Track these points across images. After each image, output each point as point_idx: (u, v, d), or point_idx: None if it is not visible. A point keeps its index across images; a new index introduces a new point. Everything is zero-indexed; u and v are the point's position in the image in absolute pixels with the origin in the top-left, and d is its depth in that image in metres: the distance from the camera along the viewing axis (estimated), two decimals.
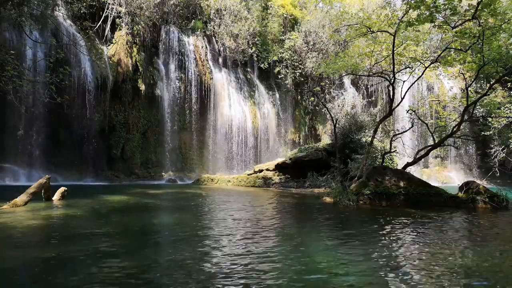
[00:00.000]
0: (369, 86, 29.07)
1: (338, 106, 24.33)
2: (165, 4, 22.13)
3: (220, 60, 24.91)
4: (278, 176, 17.64)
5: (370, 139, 13.54)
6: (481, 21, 9.70)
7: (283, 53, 26.46)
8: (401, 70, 13.50)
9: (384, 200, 9.59)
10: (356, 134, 17.52)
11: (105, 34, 19.81)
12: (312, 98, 27.32)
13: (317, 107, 27.26)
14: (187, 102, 22.33)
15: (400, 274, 3.75)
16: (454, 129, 12.09)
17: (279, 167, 18.14)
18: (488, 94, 12.94)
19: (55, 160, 17.05)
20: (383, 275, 3.69)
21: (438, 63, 12.36)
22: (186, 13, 23.75)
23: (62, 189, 9.32)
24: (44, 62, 15.45)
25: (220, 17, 24.59)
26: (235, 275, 3.55)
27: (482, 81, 22.59)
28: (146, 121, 21.29)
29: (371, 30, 12.25)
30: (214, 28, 24.46)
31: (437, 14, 10.27)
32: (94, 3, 19.51)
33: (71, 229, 5.77)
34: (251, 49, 25.13)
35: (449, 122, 16.24)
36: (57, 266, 3.81)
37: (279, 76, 26.62)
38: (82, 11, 19.08)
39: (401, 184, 9.89)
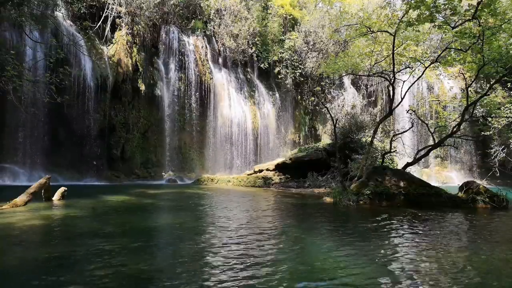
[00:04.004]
0: (369, 86, 29.06)
1: (338, 106, 24.28)
2: (165, 4, 22.11)
3: (220, 60, 24.89)
4: (278, 176, 17.65)
5: (370, 139, 13.53)
6: (481, 21, 9.69)
7: (283, 53, 26.44)
8: (401, 70, 13.50)
9: (384, 200, 9.60)
10: (356, 134, 17.53)
11: (105, 34, 19.80)
12: (312, 98, 27.30)
13: (317, 107, 27.24)
14: (187, 102, 22.30)
15: (400, 274, 3.75)
16: (454, 129, 12.09)
17: (279, 167, 18.15)
18: (488, 94, 12.94)
19: (55, 160, 17.02)
20: (383, 275, 3.69)
21: (438, 63, 12.35)
22: (186, 13, 23.73)
23: (62, 189, 9.32)
24: (44, 62, 15.43)
25: (220, 17, 24.57)
26: (235, 276, 3.55)
27: (482, 81, 22.58)
28: (146, 121, 21.27)
29: (371, 30, 12.26)
30: (214, 28, 24.45)
31: (437, 14, 10.27)
32: (94, 3, 19.49)
33: (71, 229, 5.77)
34: (251, 49, 25.11)
35: (449, 122, 16.21)
36: (57, 266, 3.81)
37: (279, 76, 26.59)
38: (82, 11, 19.06)
39: (401, 184, 9.90)
